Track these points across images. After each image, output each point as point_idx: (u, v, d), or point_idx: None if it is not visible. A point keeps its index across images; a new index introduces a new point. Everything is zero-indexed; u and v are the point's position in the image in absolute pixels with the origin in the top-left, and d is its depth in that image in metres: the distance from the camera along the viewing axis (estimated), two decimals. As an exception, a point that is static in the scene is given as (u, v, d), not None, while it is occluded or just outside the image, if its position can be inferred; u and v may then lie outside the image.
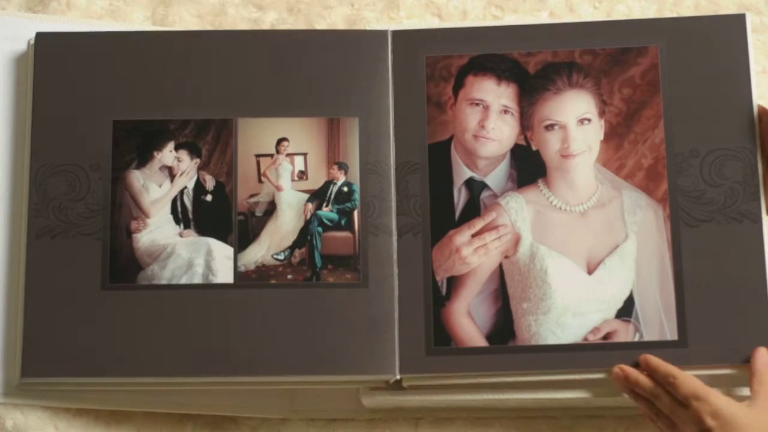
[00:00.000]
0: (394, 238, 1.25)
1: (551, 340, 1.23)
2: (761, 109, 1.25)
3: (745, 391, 1.21)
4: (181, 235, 1.27)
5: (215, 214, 1.27)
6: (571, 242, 1.25)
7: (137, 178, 1.28)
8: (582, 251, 1.25)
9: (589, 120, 1.26)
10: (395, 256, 1.25)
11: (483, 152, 1.28)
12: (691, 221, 1.24)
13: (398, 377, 1.22)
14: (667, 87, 1.26)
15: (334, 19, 1.36)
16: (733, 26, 1.27)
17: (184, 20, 1.36)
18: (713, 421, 1.12)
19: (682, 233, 1.24)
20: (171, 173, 1.28)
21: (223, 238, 1.26)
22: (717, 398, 1.14)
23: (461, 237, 1.25)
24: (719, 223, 1.24)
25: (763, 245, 1.23)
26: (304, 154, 1.28)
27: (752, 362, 1.18)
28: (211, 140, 1.28)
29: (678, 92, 1.26)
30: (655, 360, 1.19)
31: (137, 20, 1.36)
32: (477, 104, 1.28)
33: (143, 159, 1.28)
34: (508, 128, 1.28)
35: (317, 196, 1.28)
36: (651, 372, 1.18)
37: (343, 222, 1.27)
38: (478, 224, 1.26)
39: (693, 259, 1.23)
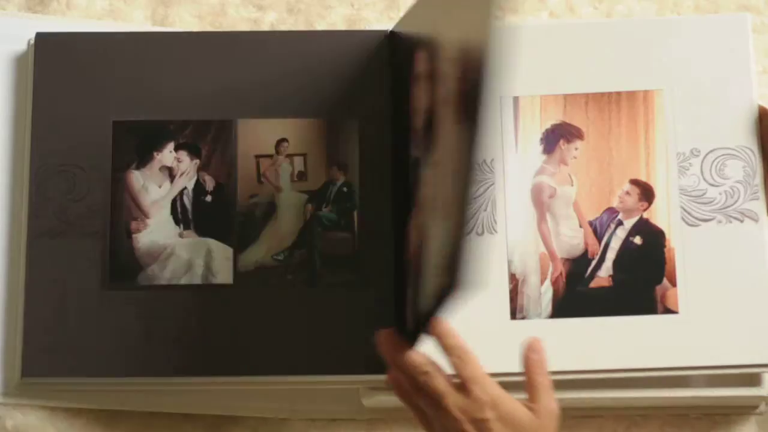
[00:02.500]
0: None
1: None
2: (762, 109, 1.25)
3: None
4: (181, 235, 1.27)
5: (215, 214, 1.27)
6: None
7: (137, 178, 1.27)
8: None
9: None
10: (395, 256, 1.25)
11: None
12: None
13: (398, 377, 1.22)
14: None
15: (334, 19, 1.36)
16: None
17: (184, 20, 1.36)
18: (491, 412, 1.03)
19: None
20: (171, 174, 1.28)
21: (223, 238, 1.26)
22: (497, 389, 1.04)
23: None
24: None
25: (764, 245, 1.23)
26: (304, 155, 1.28)
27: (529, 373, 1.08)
28: (210, 141, 1.28)
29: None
30: (448, 325, 1.04)
31: (137, 20, 1.36)
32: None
33: (143, 159, 1.28)
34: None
35: (317, 197, 1.28)
36: (440, 337, 1.05)
37: (342, 222, 1.27)
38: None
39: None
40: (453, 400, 1.03)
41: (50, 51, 1.28)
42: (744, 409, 1.26)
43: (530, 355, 1.09)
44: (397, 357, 1.07)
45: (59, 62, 1.27)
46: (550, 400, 1.07)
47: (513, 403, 1.05)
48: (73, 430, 1.26)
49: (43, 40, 1.28)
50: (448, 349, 1.05)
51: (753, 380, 1.23)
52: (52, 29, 1.29)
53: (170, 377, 1.22)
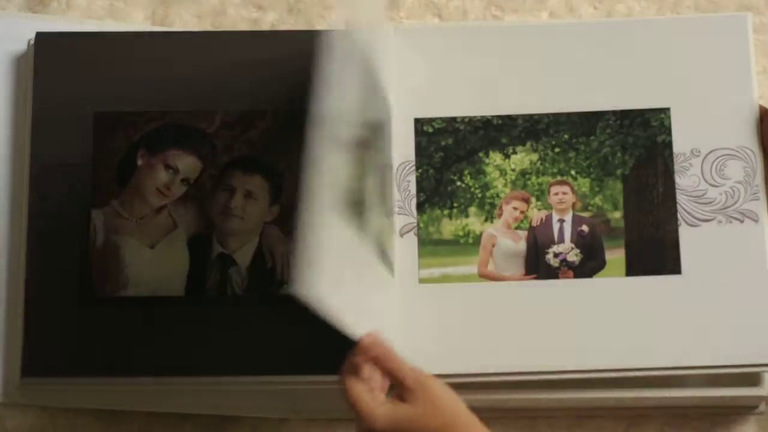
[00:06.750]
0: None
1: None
2: (762, 110, 1.25)
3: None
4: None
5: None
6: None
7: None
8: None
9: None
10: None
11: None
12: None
13: (398, 377, 1.22)
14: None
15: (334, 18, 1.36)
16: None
17: (184, 20, 1.36)
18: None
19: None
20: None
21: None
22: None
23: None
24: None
25: (764, 245, 1.23)
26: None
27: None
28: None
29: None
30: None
31: (137, 20, 1.36)
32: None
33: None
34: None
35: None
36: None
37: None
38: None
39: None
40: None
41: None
42: (744, 409, 1.26)
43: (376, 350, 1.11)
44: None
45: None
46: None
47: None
48: (73, 430, 1.26)
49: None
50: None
51: (753, 380, 1.23)
52: (52, 29, 1.29)
53: (170, 377, 1.22)
